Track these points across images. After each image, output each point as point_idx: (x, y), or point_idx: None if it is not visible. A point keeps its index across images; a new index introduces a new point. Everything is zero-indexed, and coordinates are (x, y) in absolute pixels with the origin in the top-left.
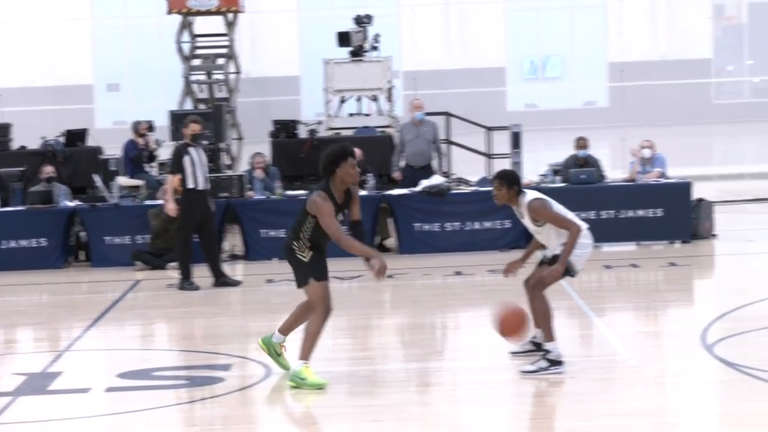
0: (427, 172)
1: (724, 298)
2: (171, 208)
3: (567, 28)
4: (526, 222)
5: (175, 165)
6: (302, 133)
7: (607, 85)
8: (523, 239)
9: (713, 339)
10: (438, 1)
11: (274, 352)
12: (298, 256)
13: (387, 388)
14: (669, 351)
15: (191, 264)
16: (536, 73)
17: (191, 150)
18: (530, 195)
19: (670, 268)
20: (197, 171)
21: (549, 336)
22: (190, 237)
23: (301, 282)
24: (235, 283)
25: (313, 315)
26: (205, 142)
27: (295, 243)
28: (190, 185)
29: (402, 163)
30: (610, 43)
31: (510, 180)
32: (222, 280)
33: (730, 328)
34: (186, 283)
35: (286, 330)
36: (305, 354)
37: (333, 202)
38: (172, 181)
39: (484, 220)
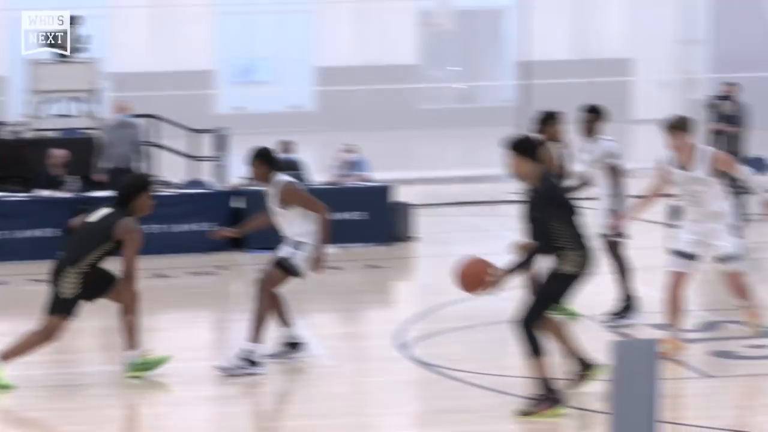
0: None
1: (422, 299)
2: None
3: (275, 32)
4: (272, 202)
5: None
6: (5, 134)
7: (313, 89)
8: (227, 242)
9: (409, 339)
10: (146, 3)
11: None
12: (67, 285)
13: (85, 391)
14: (366, 351)
15: None
16: (245, 76)
17: None
18: (285, 177)
19: (369, 270)
20: None
21: (256, 337)
22: None
23: (51, 310)
24: None
25: (36, 334)
26: None
27: (71, 269)
28: None
29: (106, 165)
30: (318, 47)
31: (267, 158)
32: None
33: (426, 329)
34: None
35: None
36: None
37: None
38: None
39: (190, 222)
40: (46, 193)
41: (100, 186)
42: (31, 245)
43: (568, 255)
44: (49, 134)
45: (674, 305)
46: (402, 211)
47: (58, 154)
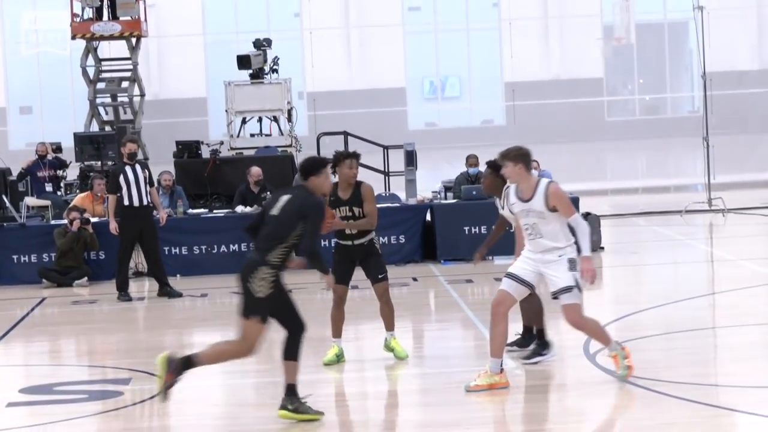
0: None
1: (614, 308)
2: (112, 227)
3: (464, 49)
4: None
5: (113, 184)
6: (205, 153)
7: (503, 104)
8: (417, 253)
9: (596, 348)
10: (338, 24)
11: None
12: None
13: None
14: (558, 361)
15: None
16: (435, 93)
17: (127, 169)
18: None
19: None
20: (132, 189)
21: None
22: (127, 252)
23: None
24: (178, 294)
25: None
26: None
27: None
28: (126, 203)
29: None
30: (505, 63)
31: (498, 170)
32: (165, 290)
33: (619, 337)
34: (122, 295)
35: (388, 326)
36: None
37: None
38: (111, 200)
39: (381, 235)
40: (244, 209)
41: None
42: (232, 259)
43: None
44: (246, 152)
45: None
46: (591, 222)
47: (256, 171)
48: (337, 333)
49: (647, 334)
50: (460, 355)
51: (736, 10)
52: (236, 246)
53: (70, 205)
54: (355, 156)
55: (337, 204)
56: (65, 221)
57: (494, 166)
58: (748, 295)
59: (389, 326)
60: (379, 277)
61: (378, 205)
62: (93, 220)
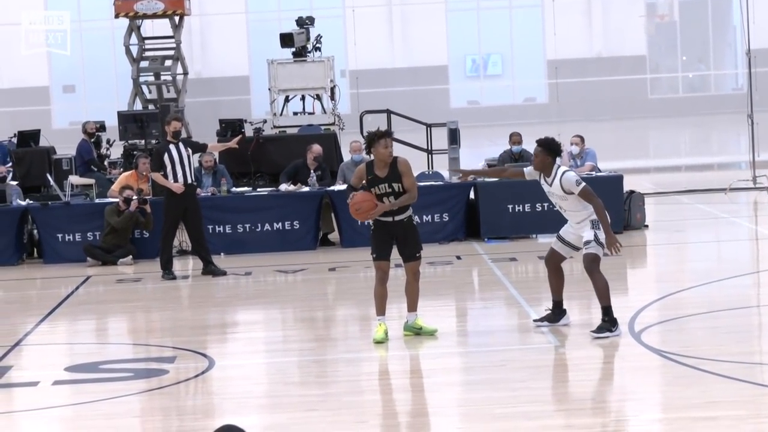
0: None
1: (657, 286)
2: (176, 187)
3: (506, 27)
4: (556, 190)
5: (156, 162)
6: (248, 131)
7: (545, 82)
8: (460, 231)
9: (641, 326)
10: (380, 2)
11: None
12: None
13: (329, 377)
14: (601, 339)
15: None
16: (478, 71)
17: (171, 147)
18: (563, 168)
19: (603, 259)
20: (177, 167)
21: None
22: (172, 231)
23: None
24: (222, 272)
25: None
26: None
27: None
28: (171, 181)
29: None
30: (548, 41)
31: (550, 148)
32: (209, 269)
33: (662, 315)
34: (166, 273)
35: (412, 306)
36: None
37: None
38: (157, 177)
39: (424, 213)
40: (290, 187)
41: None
42: (277, 237)
43: None
44: (290, 131)
45: None
46: (635, 200)
47: (317, 149)
48: (381, 310)
49: (691, 313)
50: (503, 332)
51: None
52: (280, 224)
53: (122, 185)
54: (389, 134)
55: (375, 183)
56: (115, 199)
57: (545, 143)
58: None
59: (413, 306)
60: (416, 255)
61: (421, 183)
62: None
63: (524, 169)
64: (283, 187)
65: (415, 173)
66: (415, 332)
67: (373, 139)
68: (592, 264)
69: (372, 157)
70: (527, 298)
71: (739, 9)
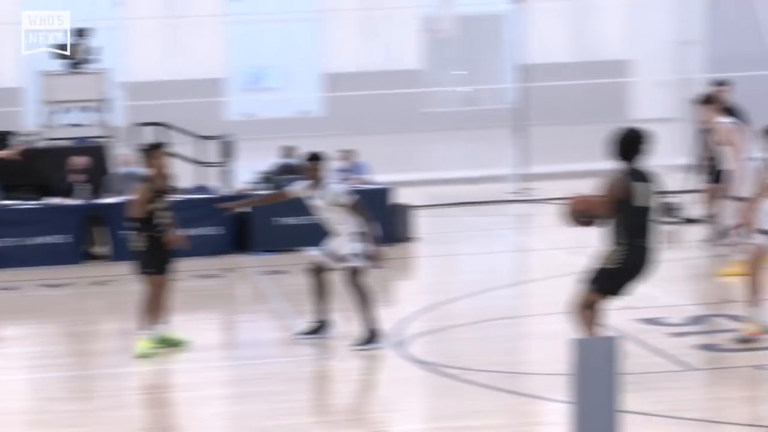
0: None
1: (421, 297)
2: None
3: (282, 40)
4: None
5: None
6: (18, 144)
7: (320, 95)
8: (232, 246)
9: (406, 337)
10: (158, 14)
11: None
12: None
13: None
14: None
15: None
16: (253, 83)
17: None
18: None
19: (370, 270)
20: None
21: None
22: None
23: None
24: None
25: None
26: None
27: None
28: None
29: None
30: (323, 54)
31: (320, 162)
32: None
33: (424, 327)
34: None
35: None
36: None
37: None
38: None
39: (196, 226)
40: (57, 200)
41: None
42: (43, 251)
43: None
44: (62, 143)
45: None
46: (402, 212)
47: (79, 161)
48: (149, 323)
49: (457, 324)
50: (269, 345)
51: (551, 3)
52: (47, 238)
53: None
54: (161, 147)
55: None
56: None
57: (315, 157)
58: (555, 285)
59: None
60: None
61: (191, 196)
62: None
63: (289, 189)
64: (55, 200)
65: (186, 186)
66: (169, 344)
67: (149, 152)
68: (355, 276)
69: (150, 170)
70: (293, 311)
71: (511, 26)
